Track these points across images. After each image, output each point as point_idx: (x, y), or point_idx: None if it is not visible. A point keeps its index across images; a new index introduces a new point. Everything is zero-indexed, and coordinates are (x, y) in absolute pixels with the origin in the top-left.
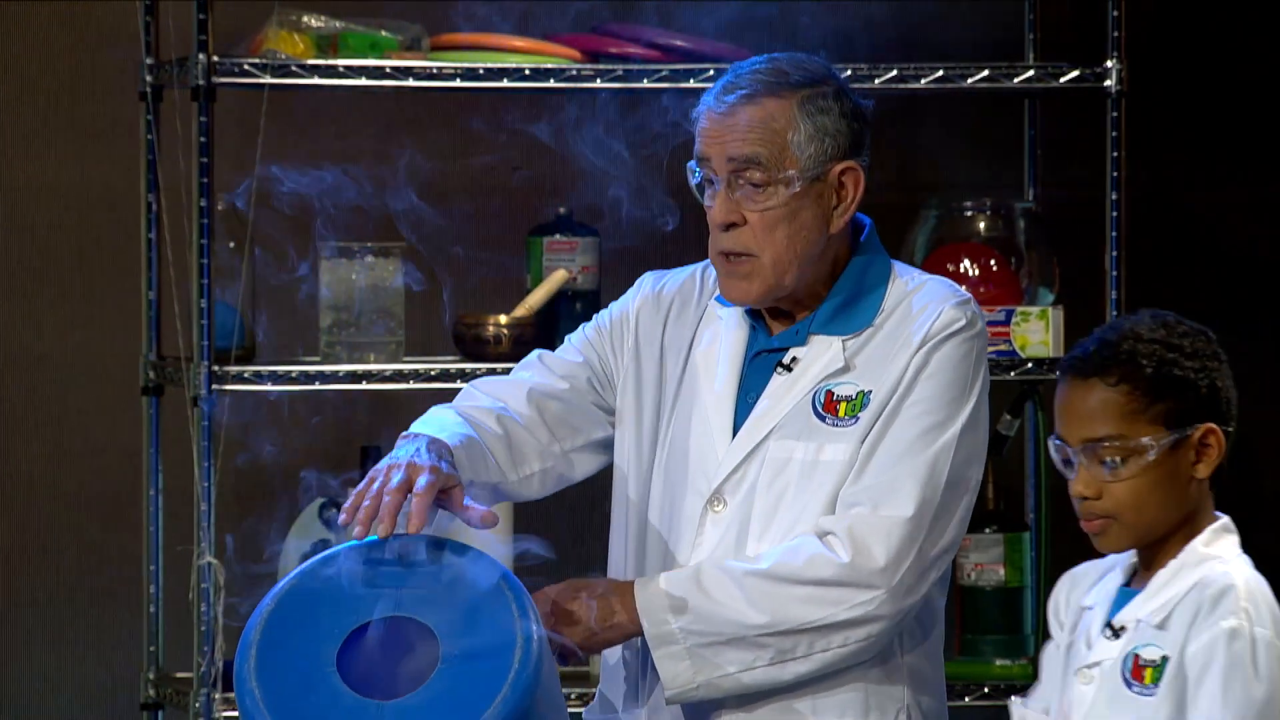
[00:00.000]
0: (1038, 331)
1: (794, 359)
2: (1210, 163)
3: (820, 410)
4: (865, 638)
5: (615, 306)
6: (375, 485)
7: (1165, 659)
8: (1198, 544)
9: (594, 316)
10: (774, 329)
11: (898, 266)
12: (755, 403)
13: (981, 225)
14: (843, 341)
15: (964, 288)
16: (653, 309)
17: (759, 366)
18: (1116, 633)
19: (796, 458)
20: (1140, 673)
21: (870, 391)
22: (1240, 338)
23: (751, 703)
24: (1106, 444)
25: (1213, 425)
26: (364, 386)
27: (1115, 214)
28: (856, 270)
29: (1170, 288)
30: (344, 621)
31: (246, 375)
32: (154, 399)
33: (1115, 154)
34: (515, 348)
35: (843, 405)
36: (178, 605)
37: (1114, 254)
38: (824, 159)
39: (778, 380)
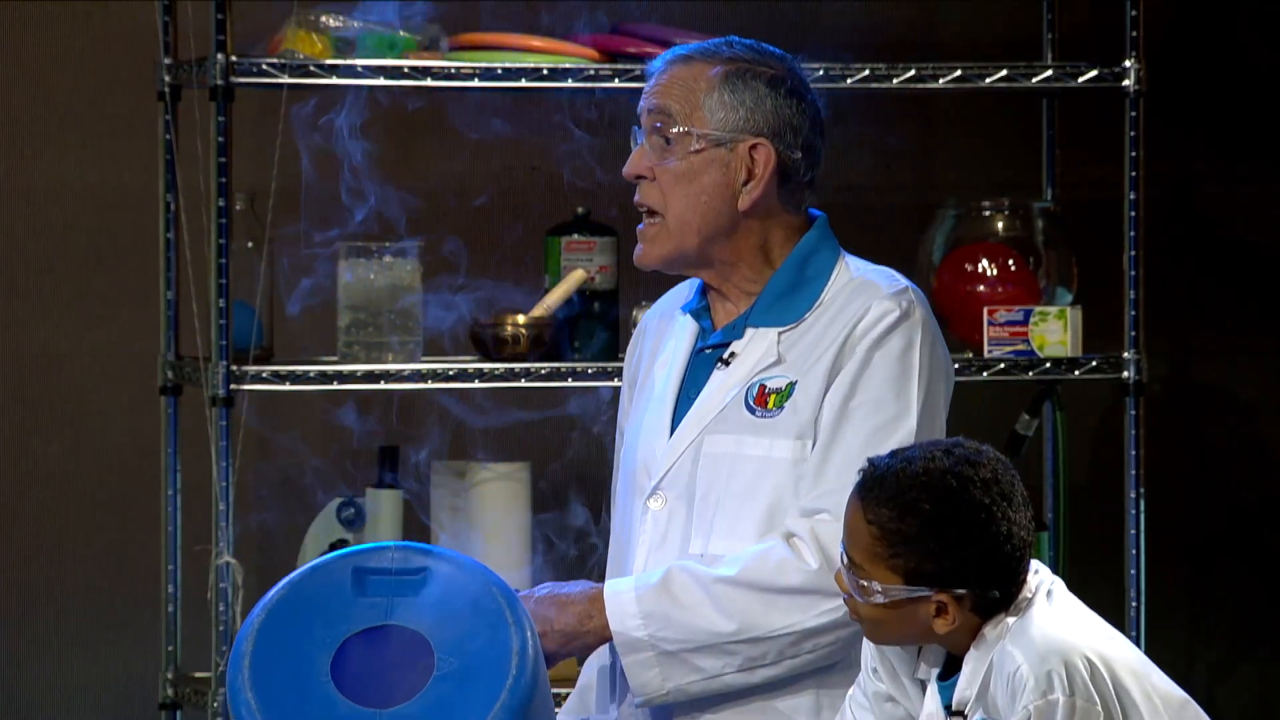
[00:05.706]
0: (1056, 331)
1: (732, 353)
2: (1228, 162)
3: (751, 404)
4: (833, 643)
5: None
6: None
7: None
8: (987, 629)
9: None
10: (717, 324)
11: (848, 259)
12: (695, 399)
13: (1000, 225)
14: (778, 334)
15: (981, 287)
16: (641, 343)
17: (702, 363)
18: (963, 715)
19: (730, 452)
20: None
21: (797, 382)
22: (1260, 336)
23: (716, 704)
24: (855, 569)
25: (944, 597)
26: (382, 386)
27: (1133, 213)
28: (797, 261)
29: (1188, 287)
30: (337, 630)
31: (265, 375)
32: (172, 399)
33: (1134, 153)
34: (533, 347)
35: (772, 397)
36: (196, 605)
37: (1132, 253)
38: (734, 128)
39: (716, 376)
